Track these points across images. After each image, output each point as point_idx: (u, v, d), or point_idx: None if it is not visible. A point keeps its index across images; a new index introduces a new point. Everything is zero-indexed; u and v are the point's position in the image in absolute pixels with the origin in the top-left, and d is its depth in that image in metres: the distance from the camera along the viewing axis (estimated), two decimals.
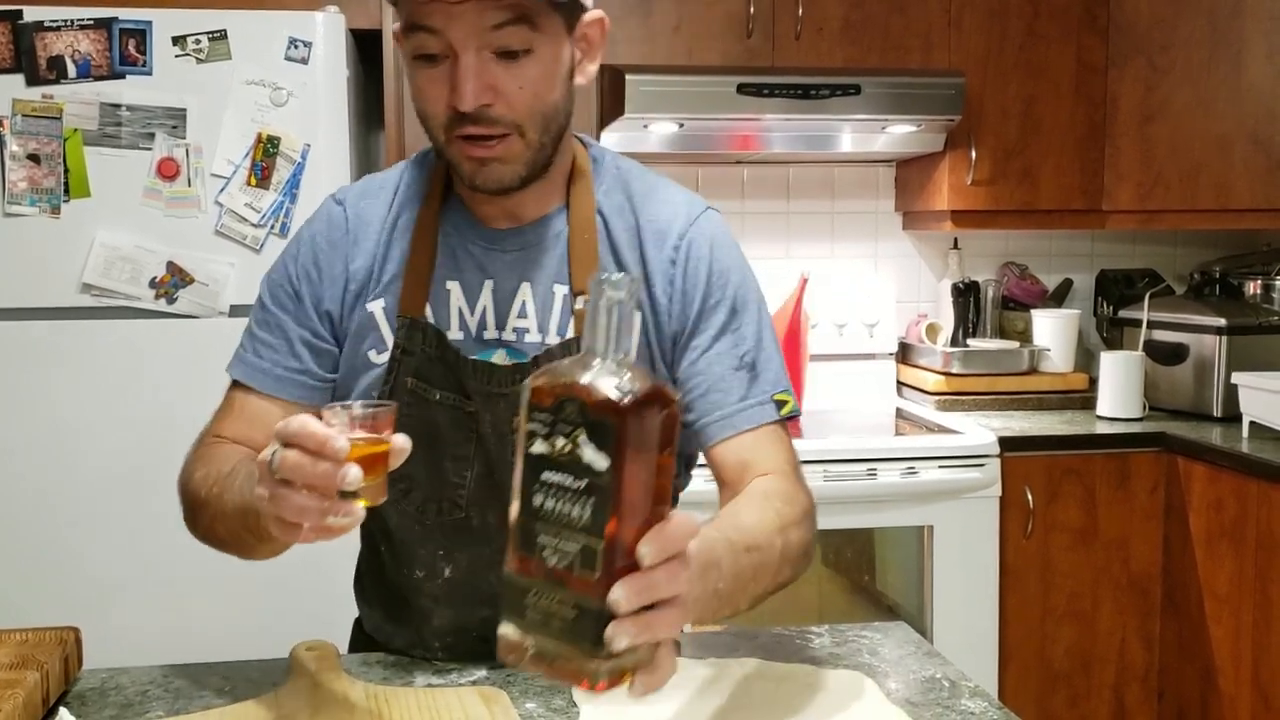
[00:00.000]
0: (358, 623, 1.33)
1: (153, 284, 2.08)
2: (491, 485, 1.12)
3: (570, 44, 1.04)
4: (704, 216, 1.14)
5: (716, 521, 0.92)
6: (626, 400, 0.67)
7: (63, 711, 1.01)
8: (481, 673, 1.11)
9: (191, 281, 2.09)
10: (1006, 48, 2.66)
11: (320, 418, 0.83)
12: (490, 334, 1.11)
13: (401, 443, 0.88)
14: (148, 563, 2.10)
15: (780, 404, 1.10)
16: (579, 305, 1.09)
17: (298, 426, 0.80)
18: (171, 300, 2.09)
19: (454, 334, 1.10)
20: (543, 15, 0.99)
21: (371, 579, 1.26)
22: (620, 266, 1.11)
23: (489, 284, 1.11)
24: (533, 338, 1.10)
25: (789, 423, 1.12)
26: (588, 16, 1.05)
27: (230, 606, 2.06)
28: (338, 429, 0.82)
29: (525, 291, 1.10)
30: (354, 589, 1.31)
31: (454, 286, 1.11)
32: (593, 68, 1.08)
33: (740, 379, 1.09)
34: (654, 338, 1.11)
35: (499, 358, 1.10)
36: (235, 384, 1.14)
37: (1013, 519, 2.43)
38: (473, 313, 1.11)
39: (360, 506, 0.83)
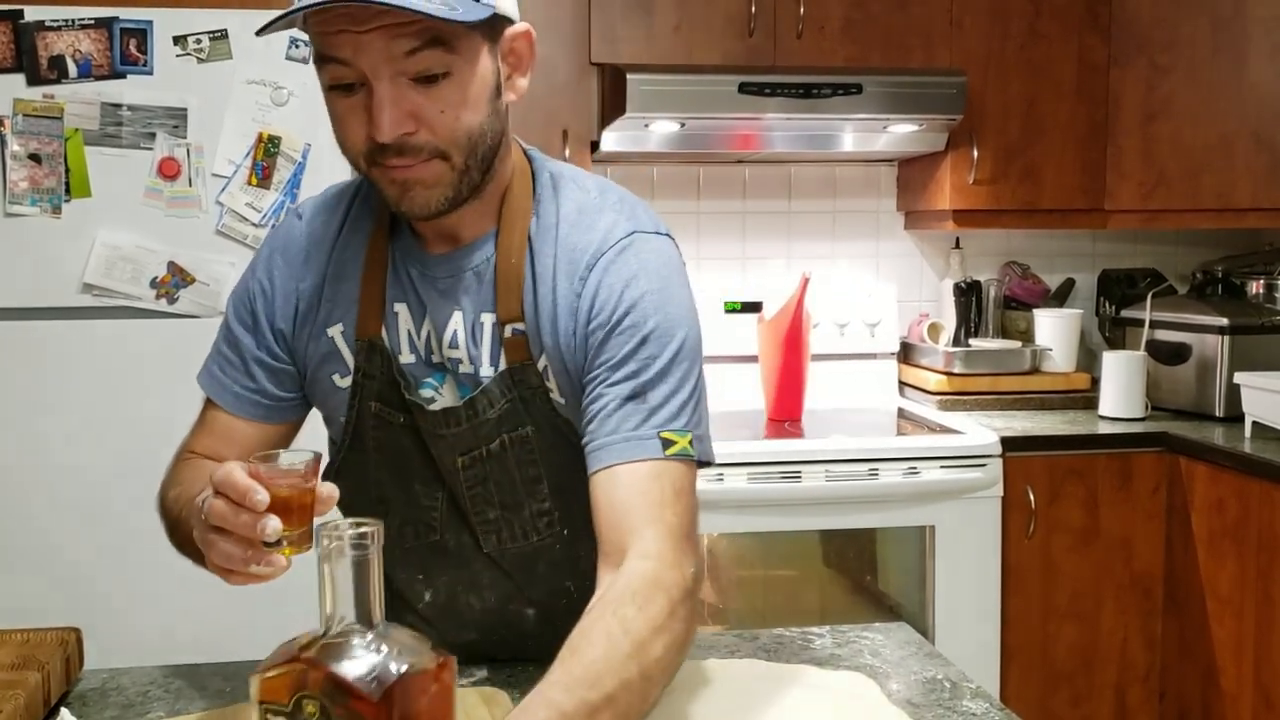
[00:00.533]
0: None
1: (154, 284, 2.08)
2: (459, 515, 1.12)
3: (494, 60, 0.98)
4: (624, 243, 1.04)
5: (557, 683, 0.81)
6: (383, 690, 0.55)
7: (64, 712, 1.00)
8: (483, 673, 1.11)
9: (192, 281, 2.09)
10: (1008, 47, 2.65)
11: (250, 464, 0.84)
12: (437, 357, 1.08)
13: (327, 491, 0.87)
14: (148, 563, 2.09)
15: (667, 443, 0.98)
16: (508, 334, 1.04)
17: (222, 476, 0.82)
18: (172, 300, 2.09)
19: (406, 357, 1.08)
20: (459, 37, 0.93)
21: None
22: (536, 299, 1.04)
23: (427, 310, 1.08)
24: (466, 369, 1.06)
25: (696, 469, 1.01)
26: (512, 30, 1.00)
27: (230, 607, 2.06)
28: (266, 476, 0.83)
29: (456, 320, 1.06)
30: None
31: (401, 309, 1.08)
32: (523, 82, 1.03)
33: (625, 410, 0.98)
34: (560, 382, 1.05)
35: (447, 385, 1.08)
36: (206, 403, 1.15)
37: (1014, 519, 2.42)
38: (419, 336, 1.08)
39: (282, 557, 0.84)
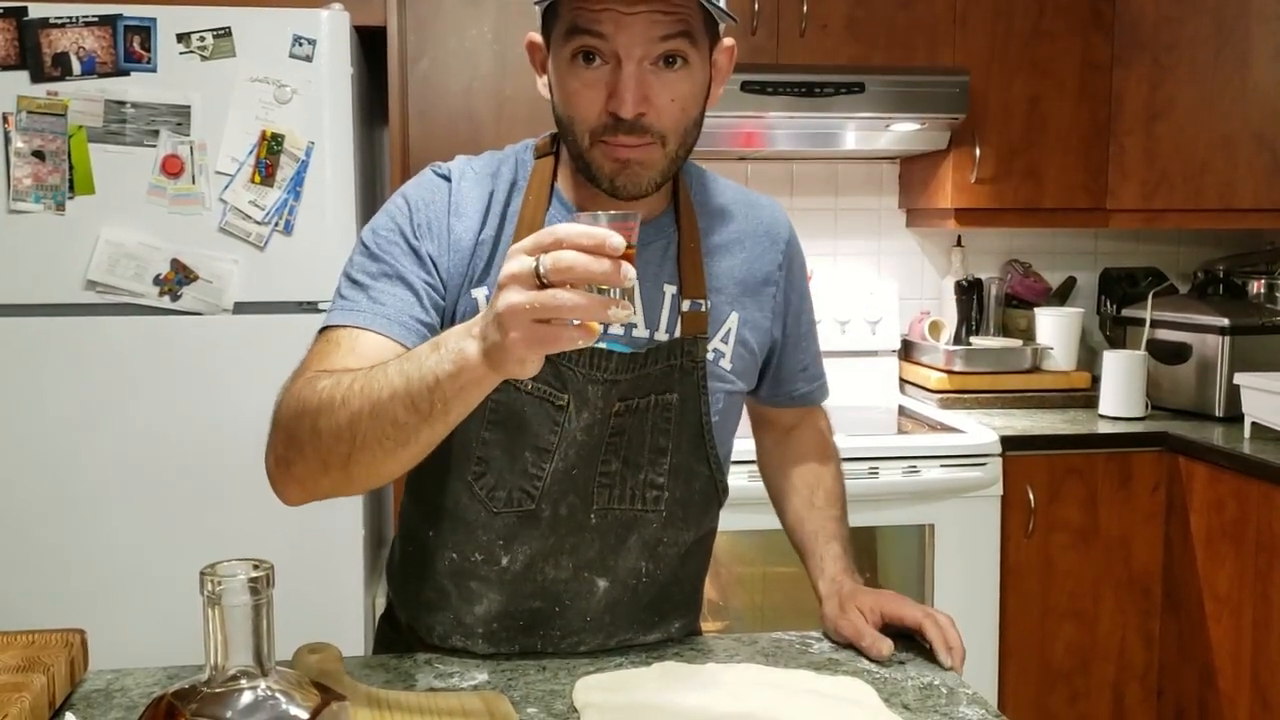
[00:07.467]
0: (384, 617, 1.33)
1: (157, 281, 2.09)
2: (569, 481, 1.13)
3: (708, 67, 1.08)
4: (787, 218, 1.28)
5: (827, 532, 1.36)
6: None
7: (69, 716, 1.01)
8: (483, 676, 1.12)
9: (195, 278, 2.09)
10: (1011, 45, 2.65)
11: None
12: None
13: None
14: (153, 561, 2.11)
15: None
16: (687, 308, 1.14)
17: (567, 229, 0.80)
18: (176, 297, 2.10)
19: None
20: (699, 32, 1.03)
21: (411, 566, 1.24)
22: (721, 272, 1.17)
23: None
24: (640, 333, 1.13)
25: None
26: (721, 44, 1.10)
27: None
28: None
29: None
30: (387, 579, 1.31)
31: None
32: (719, 92, 1.12)
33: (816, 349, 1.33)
34: (739, 347, 1.18)
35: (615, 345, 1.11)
36: (338, 329, 1.06)
37: (1014, 518, 2.43)
38: None
39: (630, 303, 0.81)
